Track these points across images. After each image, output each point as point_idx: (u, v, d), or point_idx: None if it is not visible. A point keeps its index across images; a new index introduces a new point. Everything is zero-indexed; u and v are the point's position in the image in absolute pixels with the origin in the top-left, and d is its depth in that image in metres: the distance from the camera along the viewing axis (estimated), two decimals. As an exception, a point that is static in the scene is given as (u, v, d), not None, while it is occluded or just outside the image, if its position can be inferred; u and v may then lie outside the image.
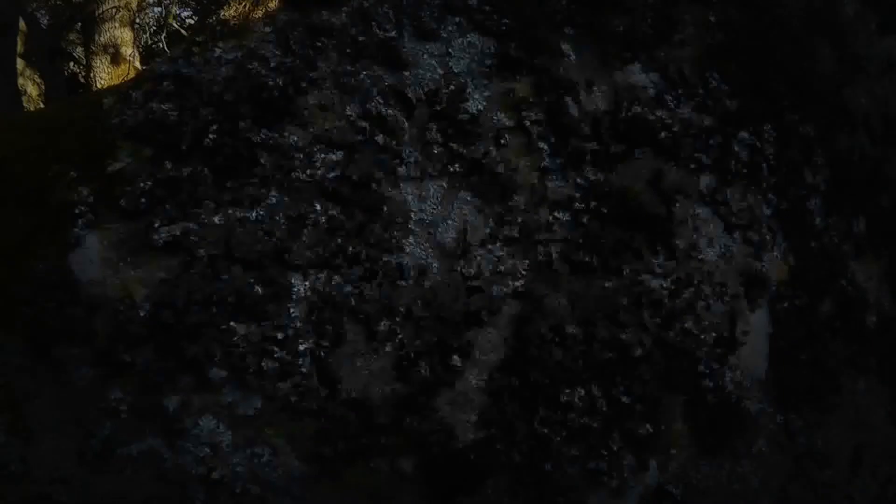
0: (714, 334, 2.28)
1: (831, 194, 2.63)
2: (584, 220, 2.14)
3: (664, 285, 2.21)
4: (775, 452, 2.38)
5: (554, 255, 2.11)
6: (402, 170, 2.04)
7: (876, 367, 2.68)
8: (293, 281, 1.96)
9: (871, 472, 2.59)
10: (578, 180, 2.15)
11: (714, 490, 2.25)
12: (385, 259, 2.00)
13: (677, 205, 2.26)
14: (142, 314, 1.89)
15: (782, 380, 2.41)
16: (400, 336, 1.98)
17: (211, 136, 1.97)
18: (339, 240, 1.98)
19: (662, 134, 2.26)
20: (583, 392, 2.09)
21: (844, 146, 2.73)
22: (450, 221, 2.05)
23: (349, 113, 2.04)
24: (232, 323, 1.91)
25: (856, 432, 2.58)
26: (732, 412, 2.31)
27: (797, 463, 2.42)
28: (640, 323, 2.17)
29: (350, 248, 1.98)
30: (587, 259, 2.13)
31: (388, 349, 1.98)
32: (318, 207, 1.98)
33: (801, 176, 2.56)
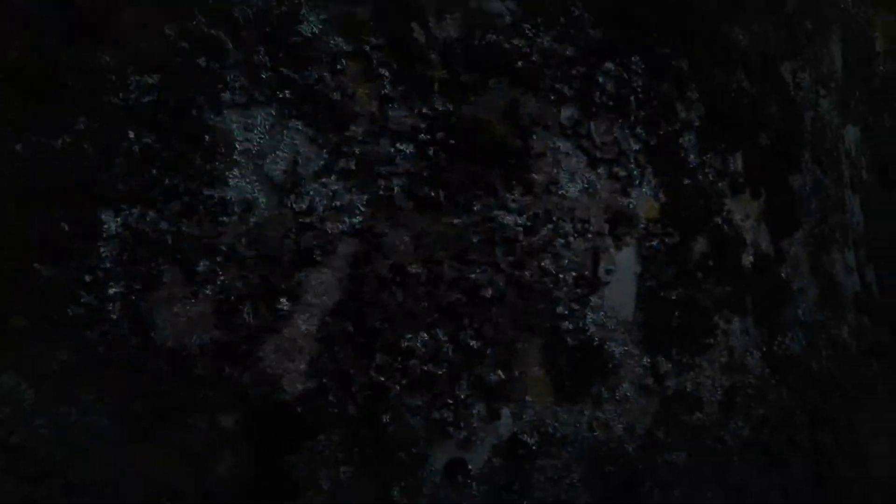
0: (574, 273, 2.16)
1: (706, 131, 2.54)
2: (430, 152, 1.99)
3: (519, 222, 2.08)
4: (641, 397, 2.29)
5: (396, 190, 1.96)
6: (225, 95, 1.86)
7: (752, 308, 2.62)
8: (103, 217, 1.76)
9: (745, 415, 2.54)
10: (424, 110, 2.00)
11: (573, 438, 2.15)
12: (206, 193, 1.82)
13: (535, 137, 2.13)
14: (-68, 258, 1.69)
15: (651, 321, 2.32)
16: (222, 278, 1.82)
17: (13, 53, 1.76)
18: (155, 171, 1.79)
19: (520, 63, 2.12)
20: (426, 336, 1.96)
21: (721, 82, 2.64)
22: (279, 152, 1.88)
23: (168, 32, 1.84)
24: (35, 264, 1.72)
25: (729, 374, 2.51)
26: (594, 355, 2.20)
27: (665, 407, 2.34)
28: (492, 262, 2.04)
29: (167, 181, 1.79)
30: (433, 194, 1.99)
31: (207, 292, 1.81)
32: (132, 135, 1.78)
33: (674, 111, 2.45)
